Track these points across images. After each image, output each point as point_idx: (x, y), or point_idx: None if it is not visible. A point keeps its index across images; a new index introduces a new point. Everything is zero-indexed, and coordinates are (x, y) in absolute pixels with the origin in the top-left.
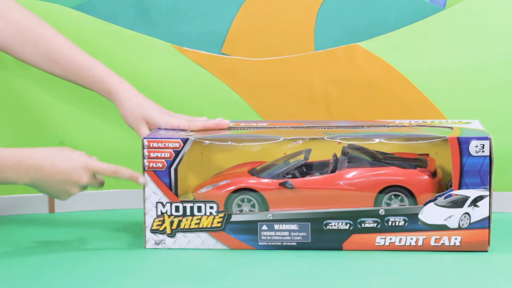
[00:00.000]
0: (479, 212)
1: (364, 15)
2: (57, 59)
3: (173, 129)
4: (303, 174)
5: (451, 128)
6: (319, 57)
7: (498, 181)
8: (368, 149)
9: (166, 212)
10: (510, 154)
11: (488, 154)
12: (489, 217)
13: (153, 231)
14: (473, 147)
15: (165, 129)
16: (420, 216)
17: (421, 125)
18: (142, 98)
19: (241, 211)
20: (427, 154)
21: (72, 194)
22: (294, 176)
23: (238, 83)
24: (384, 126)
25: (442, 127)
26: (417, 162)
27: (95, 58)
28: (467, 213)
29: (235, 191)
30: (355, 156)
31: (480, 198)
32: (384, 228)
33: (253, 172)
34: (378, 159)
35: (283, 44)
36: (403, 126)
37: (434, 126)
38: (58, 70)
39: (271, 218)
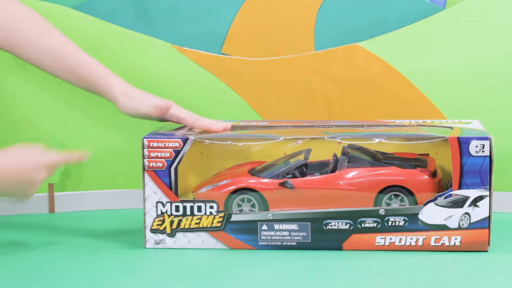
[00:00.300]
0: (479, 212)
1: (364, 15)
2: (58, 55)
3: (178, 123)
4: (303, 174)
5: (451, 128)
6: (319, 57)
7: (498, 181)
8: (368, 149)
9: (166, 211)
10: (510, 154)
11: (488, 154)
12: (489, 217)
13: (153, 230)
14: (473, 147)
15: (167, 120)
16: (420, 216)
17: (421, 125)
18: (144, 94)
19: (241, 211)
20: (427, 154)
21: (35, 190)
22: (294, 176)
23: (238, 83)
24: (384, 126)
25: (442, 127)
26: (417, 162)
27: (94, 57)
28: (467, 213)
29: (235, 191)
30: (355, 156)
31: (480, 198)
32: (384, 228)
33: (253, 172)
34: (378, 159)
35: (283, 44)
36: (403, 126)
37: (434, 126)
38: (58, 67)
39: (271, 218)
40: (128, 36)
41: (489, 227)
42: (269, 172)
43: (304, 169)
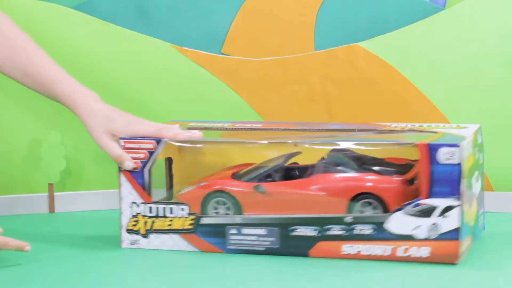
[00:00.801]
0: (448, 223)
1: (364, 15)
2: (28, 70)
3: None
4: (288, 178)
5: (436, 133)
6: (319, 57)
7: (498, 181)
8: (355, 153)
9: (141, 212)
10: (510, 154)
11: (458, 162)
12: (459, 228)
13: (129, 231)
14: (443, 155)
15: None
16: (387, 225)
17: (412, 129)
18: (108, 110)
19: (217, 213)
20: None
21: None
22: (273, 180)
23: (238, 83)
24: (375, 130)
25: (430, 132)
26: (401, 168)
27: (94, 58)
28: (435, 223)
29: (212, 193)
30: (334, 161)
31: (450, 208)
32: (351, 236)
33: (236, 175)
34: (360, 164)
35: (283, 44)
36: (394, 130)
37: (423, 131)
38: (27, 81)
39: (240, 222)
40: (128, 36)
41: (458, 239)
42: (249, 175)
43: (290, 173)
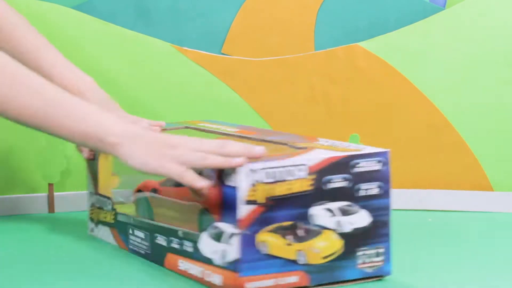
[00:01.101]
0: (231, 252)
1: (364, 15)
2: (22, 56)
3: None
4: None
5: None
6: (319, 57)
7: (498, 181)
8: None
9: (94, 203)
10: (509, 153)
11: (236, 185)
12: (238, 260)
13: (90, 219)
14: (224, 175)
15: None
16: (199, 245)
17: (300, 147)
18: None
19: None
20: None
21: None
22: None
23: (238, 83)
24: (286, 144)
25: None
26: None
27: (94, 57)
28: (224, 250)
29: (138, 194)
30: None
31: (233, 235)
32: (182, 251)
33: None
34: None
35: (283, 44)
36: (297, 147)
37: (301, 148)
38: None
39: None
40: (128, 36)
41: (238, 272)
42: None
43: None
